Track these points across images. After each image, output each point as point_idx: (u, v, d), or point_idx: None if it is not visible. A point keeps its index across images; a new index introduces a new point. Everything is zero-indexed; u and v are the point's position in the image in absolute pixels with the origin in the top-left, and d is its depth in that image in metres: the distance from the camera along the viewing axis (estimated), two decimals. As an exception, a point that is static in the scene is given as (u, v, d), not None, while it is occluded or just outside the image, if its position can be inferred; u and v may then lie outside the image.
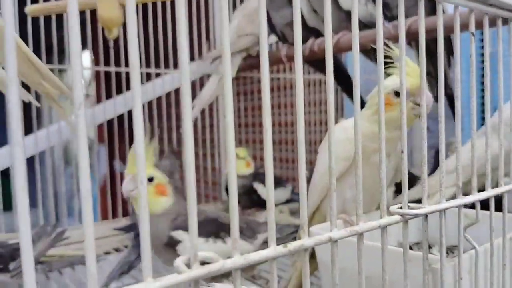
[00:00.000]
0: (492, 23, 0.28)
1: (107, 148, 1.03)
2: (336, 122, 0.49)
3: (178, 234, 0.48)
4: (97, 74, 1.07)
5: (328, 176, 0.38)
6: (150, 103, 0.89)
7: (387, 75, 0.39)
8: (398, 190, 0.69)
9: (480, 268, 0.28)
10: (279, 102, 1.17)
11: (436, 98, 0.32)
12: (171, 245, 0.49)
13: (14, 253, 0.58)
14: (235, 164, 0.19)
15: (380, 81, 0.23)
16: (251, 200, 0.90)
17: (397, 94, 0.38)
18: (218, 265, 0.16)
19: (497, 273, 0.29)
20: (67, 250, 0.71)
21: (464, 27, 0.28)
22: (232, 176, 0.18)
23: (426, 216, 0.24)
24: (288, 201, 0.97)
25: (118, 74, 0.89)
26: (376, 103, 0.40)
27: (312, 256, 0.47)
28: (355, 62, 0.22)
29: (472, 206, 0.29)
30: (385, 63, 0.36)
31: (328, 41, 0.21)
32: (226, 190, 1.01)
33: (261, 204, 0.92)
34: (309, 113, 1.07)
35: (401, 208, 0.23)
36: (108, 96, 0.93)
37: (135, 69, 0.16)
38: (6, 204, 0.85)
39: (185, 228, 0.49)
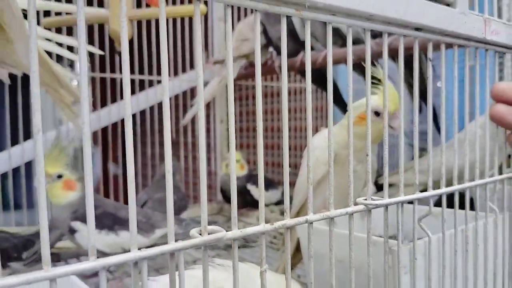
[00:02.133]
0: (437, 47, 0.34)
1: (101, 151, 1.07)
2: (318, 130, 0.54)
3: (76, 225, 0.55)
4: (92, 80, 1.12)
5: (316, 173, 0.44)
6: (151, 108, 0.95)
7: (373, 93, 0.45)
8: (379, 189, 0.75)
9: (434, 252, 0.34)
10: (272, 108, 1.22)
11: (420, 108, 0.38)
12: (72, 233, 0.56)
13: (26, 243, 0.63)
14: (235, 168, 0.24)
15: (349, 104, 0.29)
16: (245, 200, 0.95)
17: (376, 113, 0.44)
18: (221, 234, 0.21)
19: (449, 258, 0.35)
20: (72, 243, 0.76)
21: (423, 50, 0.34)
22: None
23: (386, 207, 0.30)
24: (278, 203, 1.03)
25: (113, 80, 0.94)
26: (355, 115, 0.46)
27: (298, 249, 0.53)
28: (328, 83, 0.27)
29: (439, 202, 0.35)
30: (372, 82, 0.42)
31: (308, 61, 0.27)
32: (221, 190, 1.06)
33: (254, 204, 0.97)
34: (300, 119, 1.12)
35: (365, 200, 0.29)
36: (103, 100, 0.97)
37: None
38: (4, 203, 0.90)
39: (83, 220, 0.56)
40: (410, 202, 0.32)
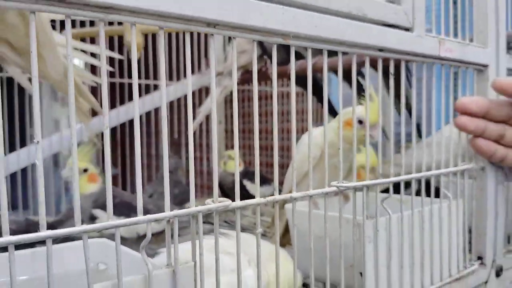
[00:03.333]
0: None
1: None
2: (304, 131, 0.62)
3: (97, 212, 0.64)
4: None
5: (299, 169, 0.52)
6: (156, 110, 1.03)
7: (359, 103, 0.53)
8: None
9: (394, 228, 0.42)
10: (266, 110, 1.30)
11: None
12: (92, 220, 0.65)
13: (29, 228, 0.70)
14: (238, 166, 0.32)
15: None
16: (241, 194, 1.03)
17: (359, 121, 0.52)
18: (228, 203, 0.30)
19: (407, 232, 0.43)
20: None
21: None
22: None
23: (354, 189, 0.38)
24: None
25: (121, 85, 1.01)
26: (344, 120, 0.53)
27: (287, 230, 0.61)
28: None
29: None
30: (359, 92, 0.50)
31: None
32: (219, 185, 1.14)
33: (249, 197, 1.05)
34: (290, 121, 1.20)
35: (338, 183, 0.37)
36: (112, 103, 1.05)
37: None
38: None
39: (103, 208, 0.64)
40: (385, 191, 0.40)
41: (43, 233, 0.23)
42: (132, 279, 0.26)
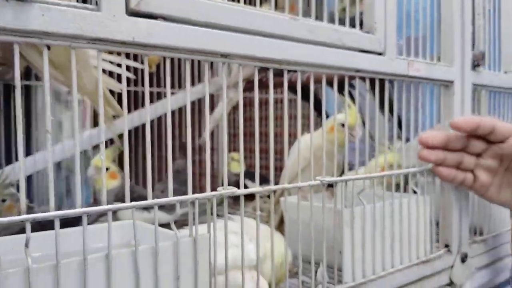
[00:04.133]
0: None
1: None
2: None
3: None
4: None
5: (293, 168, 0.61)
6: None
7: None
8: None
9: (368, 215, 0.51)
10: (265, 115, 1.40)
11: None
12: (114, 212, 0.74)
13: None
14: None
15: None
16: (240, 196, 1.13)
17: (342, 125, 0.61)
18: (234, 190, 0.39)
19: (379, 220, 0.52)
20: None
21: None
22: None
23: (335, 183, 0.47)
24: (269, 195, 1.20)
25: (135, 92, 1.11)
26: (328, 126, 0.63)
27: (282, 221, 0.70)
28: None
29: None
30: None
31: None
32: (222, 184, 1.23)
33: (249, 195, 1.15)
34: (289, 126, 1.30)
35: (321, 178, 0.47)
36: (128, 110, 1.13)
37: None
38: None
39: (123, 201, 0.73)
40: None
41: (79, 209, 0.32)
42: (166, 244, 0.35)
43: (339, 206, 0.48)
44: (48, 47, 0.31)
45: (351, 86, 0.85)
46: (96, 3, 0.32)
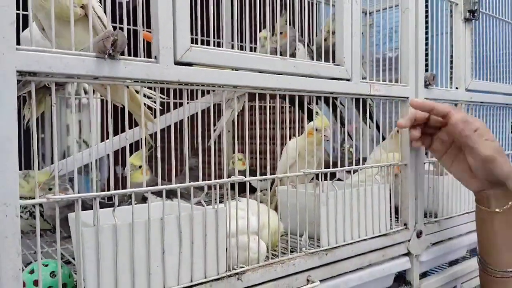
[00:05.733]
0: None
1: (113, 155, 1.39)
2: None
3: (148, 195, 0.91)
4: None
5: (284, 164, 0.80)
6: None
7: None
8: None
9: (340, 198, 0.69)
10: (264, 119, 1.59)
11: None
12: (144, 200, 0.91)
13: None
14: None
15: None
16: (244, 187, 1.31)
17: (316, 129, 0.80)
18: (242, 178, 0.57)
19: (348, 202, 0.70)
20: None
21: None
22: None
23: (316, 175, 0.66)
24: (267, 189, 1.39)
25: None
26: (308, 131, 0.81)
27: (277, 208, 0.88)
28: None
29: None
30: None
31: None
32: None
33: (251, 190, 1.33)
34: (276, 129, 1.49)
35: (303, 171, 0.65)
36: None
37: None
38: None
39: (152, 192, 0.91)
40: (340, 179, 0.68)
41: (111, 192, 0.50)
42: (198, 212, 0.53)
43: (317, 191, 0.67)
44: (127, 87, 0.49)
45: (341, 103, 1.04)
46: (155, 58, 0.50)
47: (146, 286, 0.49)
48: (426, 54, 0.85)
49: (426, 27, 0.84)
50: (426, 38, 0.84)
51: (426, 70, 0.85)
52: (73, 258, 0.63)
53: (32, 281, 0.48)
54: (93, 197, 0.47)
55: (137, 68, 0.48)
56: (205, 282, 0.53)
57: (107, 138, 1.26)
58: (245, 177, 0.59)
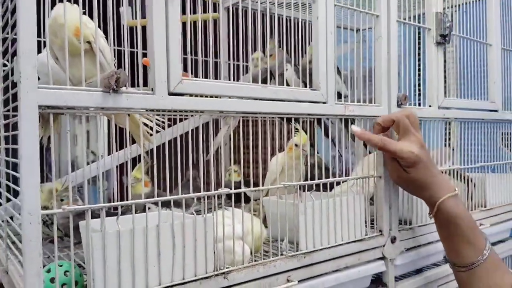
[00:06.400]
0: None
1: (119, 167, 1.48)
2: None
3: (149, 205, 1.00)
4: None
5: (271, 177, 0.89)
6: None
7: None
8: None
9: (317, 208, 0.78)
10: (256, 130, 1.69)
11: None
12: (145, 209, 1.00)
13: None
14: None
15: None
16: (239, 197, 1.40)
17: (296, 145, 0.89)
18: (227, 190, 0.66)
19: (325, 211, 0.79)
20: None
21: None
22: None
23: (294, 186, 0.75)
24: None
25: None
26: (288, 147, 0.90)
27: (265, 220, 0.98)
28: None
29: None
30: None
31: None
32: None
33: (246, 200, 1.42)
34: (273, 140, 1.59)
35: (284, 183, 0.74)
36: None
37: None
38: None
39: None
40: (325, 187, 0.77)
41: (116, 203, 0.59)
42: (189, 221, 0.62)
43: (296, 202, 0.76)
44: (128, 115, 0.58)
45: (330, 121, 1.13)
46: (152, 89, 0.60)
47: (144, 283, 0.58)
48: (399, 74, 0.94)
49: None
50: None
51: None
52: (83, 262, 0.72)
53: (49, 278, 0.57)
54: (100, 208, 0.56)
55: (137, 100, 0.58)
56: (195, 280, 0.62)
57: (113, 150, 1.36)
58: (241, 187, 0.68)
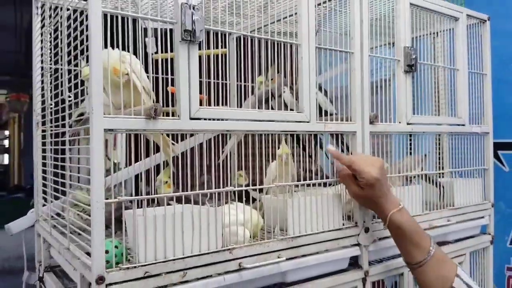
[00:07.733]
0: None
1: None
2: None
3: (172, 203, 1.23)
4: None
5: (267, 180, 1.13)
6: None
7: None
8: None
9: (302, 202, 1.01)
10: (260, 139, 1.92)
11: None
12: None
13: None
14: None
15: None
16: (246, 197, 1.64)
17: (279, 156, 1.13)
18: (232, 188, 0.90)
19: (309, 205, 1.02)
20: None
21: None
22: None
23: (285, 187, 0.98)
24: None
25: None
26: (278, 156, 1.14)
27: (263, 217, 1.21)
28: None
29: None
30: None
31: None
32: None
33: (252, 201, 1.66)
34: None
35: (276, 184, 0.97)
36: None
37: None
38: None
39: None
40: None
41: (144, 196, 0.83)
42: (204, 210, 0.86)
43: (286, 198, 0.99)
44: (162, 134, 0.83)
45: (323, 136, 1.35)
46: (178, 116, 0.84)
47: (172, 252, 0.82)
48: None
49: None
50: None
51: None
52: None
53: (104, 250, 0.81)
54: (142, 199, 0.80)
55: (168, 124, 0.82)
56: (208, 253, 0.86)
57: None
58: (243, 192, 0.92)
